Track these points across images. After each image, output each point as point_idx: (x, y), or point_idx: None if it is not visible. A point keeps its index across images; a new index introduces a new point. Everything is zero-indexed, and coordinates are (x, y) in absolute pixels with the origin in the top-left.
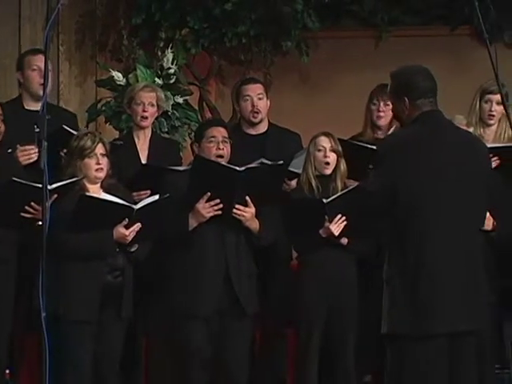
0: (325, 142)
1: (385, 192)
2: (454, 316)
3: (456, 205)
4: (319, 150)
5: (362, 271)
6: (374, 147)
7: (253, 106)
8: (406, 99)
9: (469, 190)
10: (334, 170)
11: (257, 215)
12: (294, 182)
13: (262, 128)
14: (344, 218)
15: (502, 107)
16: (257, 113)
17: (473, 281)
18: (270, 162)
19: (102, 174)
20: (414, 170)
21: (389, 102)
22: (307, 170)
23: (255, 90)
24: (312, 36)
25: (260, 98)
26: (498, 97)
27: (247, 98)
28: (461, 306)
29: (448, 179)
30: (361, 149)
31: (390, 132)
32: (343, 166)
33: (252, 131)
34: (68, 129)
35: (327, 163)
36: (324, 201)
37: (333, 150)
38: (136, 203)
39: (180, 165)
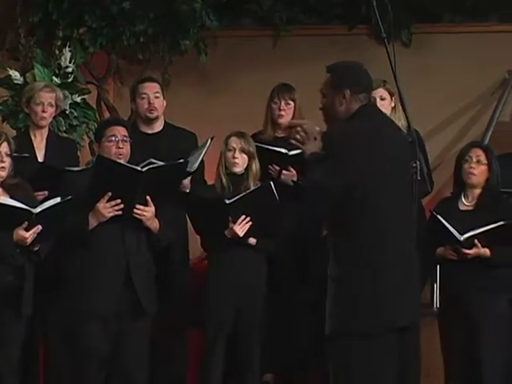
0: (235, 142)
1: (342, 186)
2: (409, 309)
3: (403, 200)
4: (229, 150)
5: (272, 271)
6: (277, 149)
7: (149, 103)
8: (348, 91)
9: (408, 184)
10: (246, 170)
11: (156, 215)
12: (187, 181)
13: (158, 127)
14: (248, 218)
15: (385, 102)
16: (153, 109)
17: (415, 276)
18: (157, 162)
19: (3, 174)
20: (369, 164)
21: (290, 101)
22: (219, 168)
23: (152, 89)
24: (210, 35)
25: (157, 97)
26: (380, 92)
27: (144, 95)
28: (412, 300)
29: (396, 174)
30: (260, 150)
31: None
32: (255, 166)
33: (148, 130)
34: None
35: (235, 163)
36: (226, 201)
37: (242, 151)
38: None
39: (77, 164)
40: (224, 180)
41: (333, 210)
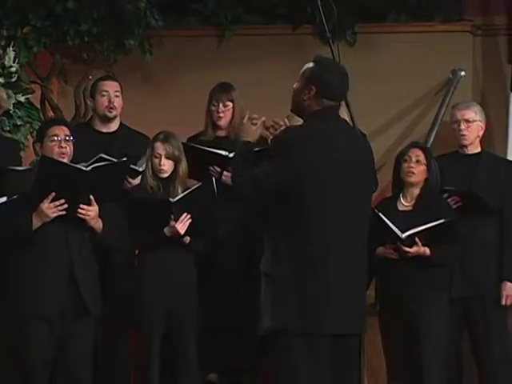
0: (160, 149)
1: (284, 185)
2: (342, 318)
3: (353, 206)
4: (156, 157)
5: (204, 270)
6: (218, 151)
7: (109, 101)
8: (315, 90)
9: (362, 190)
10: (174, 173)
11: (100, 214)
12: (136, 180)
13: (113, 127)
14: (189, 216)
15: None
16: (112, 108)
17: (360, 285)
18: (108, 158)
19: None
20: (319, 167)
21: (228, 103)
22: (147, 170)
23: (113, 87)
24: (155, 34)
25: (117, 96)
26: None
27: (105, 93)
28: (349, 309)
29: (348, 178)
30: (200, 152)
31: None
32: (182, 169)
33: (103, 129)
34: None
35: (162, 170)
36: (171, 200)
37: (168, 157)
38: None
39: (20, 164)
40: (151, 182)
41: (273, 209)
